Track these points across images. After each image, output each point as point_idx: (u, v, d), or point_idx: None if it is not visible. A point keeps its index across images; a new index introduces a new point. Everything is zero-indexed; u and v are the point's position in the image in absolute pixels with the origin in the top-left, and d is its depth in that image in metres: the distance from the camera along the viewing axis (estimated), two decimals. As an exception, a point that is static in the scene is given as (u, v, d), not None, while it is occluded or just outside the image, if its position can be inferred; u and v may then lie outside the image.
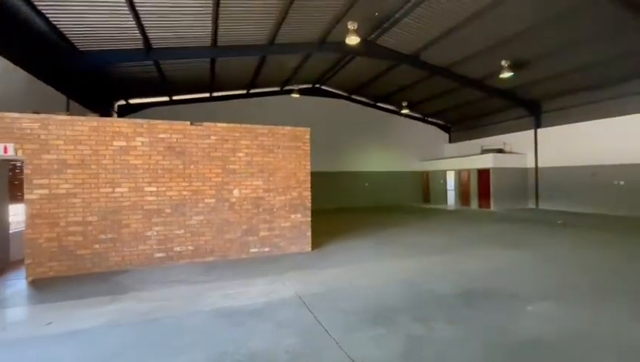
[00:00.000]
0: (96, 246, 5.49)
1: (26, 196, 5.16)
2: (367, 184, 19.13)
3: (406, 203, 19.85)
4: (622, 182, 12.50)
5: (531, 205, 16.02)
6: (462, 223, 11.20)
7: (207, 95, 15.83)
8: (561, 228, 9.66)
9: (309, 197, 6.99)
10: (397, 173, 20.16)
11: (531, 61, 12.19)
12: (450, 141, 21.57)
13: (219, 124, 6.30)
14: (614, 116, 12.75)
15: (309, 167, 7.00)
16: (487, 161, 15.68)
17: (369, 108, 19.56)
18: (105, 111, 13.40)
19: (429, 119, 21.06)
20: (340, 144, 18.73)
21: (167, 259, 5.89)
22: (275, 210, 6.66)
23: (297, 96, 14.46)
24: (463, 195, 17.21)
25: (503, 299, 4.15)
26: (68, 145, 5.35)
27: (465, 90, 15.70)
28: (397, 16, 10.42)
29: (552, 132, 15.10)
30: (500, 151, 17.12)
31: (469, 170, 16.81)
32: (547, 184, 15.32)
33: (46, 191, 5.23)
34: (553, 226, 10.07)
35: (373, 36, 11.94)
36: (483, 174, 15.95)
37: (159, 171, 5.87)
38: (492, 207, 15.32)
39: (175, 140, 5.97)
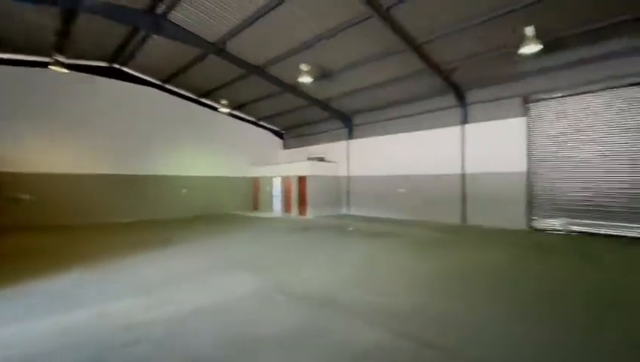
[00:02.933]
0: None
1: None
2: (184, 190, 16.50)
3: (234, 211, 18.26)
4: (403, 190, 14.42)
5: (345, 211, 17.07)
6: (255, 236, 10.16)
7: None
8: (345, 236, 9.79)
9: None
10: (226, 178, 18.36)
11: (336, 72, 12.60)
12: (285, 147, 21.45)
13: None
14: (402, 132, 14.69)
15: None
16: (304, 169, 15.75)
17: (192, 104, 17.07)
18: None
19: (262, 123, 20.30)
20: (150, 142, 15.51)
21: None
22: None
23: (61, 70, 10.63)
24: (286, 202, 16.90)
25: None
26: None
27: (287, 96, 15.39)
28: (179, -15, 8.60)
29: (360, 144, 16.49)
30: (321, 159, 17.72)
31: (291, 177, 16.61)
32: (356, 191, 16.59)
33: None
34: (341, 234, 10.18)
35: (162, 9, 9.75)
36: (302, 181, 15.96)
37: None
38: (308, 214, 15.40)
39: None
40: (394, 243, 8.50)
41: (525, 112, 11.00)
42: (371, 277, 5.48)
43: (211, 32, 10.84)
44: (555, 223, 10.28)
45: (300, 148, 19.93)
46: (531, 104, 10.87)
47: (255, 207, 19.29)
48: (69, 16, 9.67)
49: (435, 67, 11.12)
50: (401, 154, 14.60)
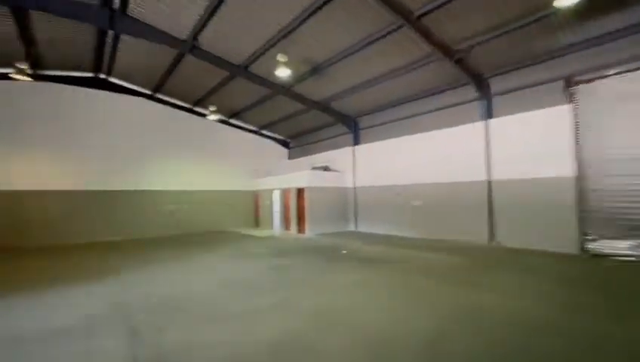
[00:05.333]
0: None
1: None
2: (173, 207, 15.25)
3: (233, 228, 16.74)
4: (418, 203, 11.99)
5: (352, 227, 14.85)
6: (212, 264, 8.38)
7: None
8: (331, 264, 7.70)
9: None
10: (225, 192, 16.99)
11: (326, 65, 10.75)
12: (290, 157, 19.79)
13: None
14: (413, 134, 12.39)
15: None
16: (302, 180, 13.87)
17: (186, 115, 16.03)
18: None
19: (265, 132, 18.86)
20: (141, 155, 14.53)
21: None
22: None
23: (24, 78, 9.83)
24: (286, 218, 15.05)
25: None
26: None
27: (280, 99, 13.80)
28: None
29: (367, 149, 14.35)
30: (326, 168, 15.80)
31: (290, 190, 14.80)
32: (365, 205, 14.36)
33: None
34: (327, 261, 8.09)
35: (116, 4, 8.62)
36: (300, 194, 14.08)
37: None
38: (307, 232, 13.40)
39: None
40: (387, 275, 6.28)
41: (569, 99, 8.36)
42: (309, 349, 3.41)
43: (178, 27, 9.52)
44: (622, 246, 7.41)
45: (305, 158, 18.15)
46: (578, 87, 8.22)
47: (256, 223, 17.66)
48: (21, 17, 8.79)
49: (443, 49, 8.91)
50: (413, 160, 12.26)
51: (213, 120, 15.54)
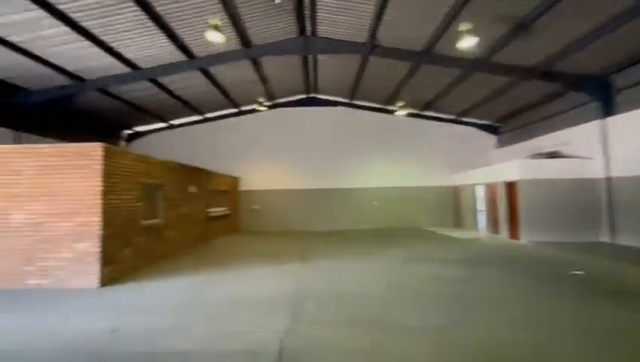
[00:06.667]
0: None
1: None
2: (375, 202, 16.08)
3: (430, 226, 15.70)
4: None
5: (604, 237, 10.16)
6: (378, 266, 7.87)
7: (200, 117, 16.39)
8: (548, 291, 5.54)
9: (99, 223, 5.93)
10: (422, 188, 16.28)
11: (537, 16, 7.85)
12: (500, 145, 16.23)
13: (-1, 146, 6.08)
14: None
15: (100, 188, 5.97)
16: (512, 172, 10.89)
17: (380, 114, 16.63)
18: (112, 141, 15.55)
19: (464, 119, 16.44)
20: (345, 157, 16.43)
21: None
22: (57, 237, 5.90)
23: (264, 109, 13.34)
24: (493, 219, 12.40)
25: None
26: None
27: (480, 77, 11.52)
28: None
29: (633, 120, 9.34)
30: (553, 155, 11.76)
31: (497, 185, 12.07)
32: (629, 204, 9.45)
33: None
34: (544, 282, 5.87)
35: (309, 29, 10.11)
36: (512, 190, 11.14)
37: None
38: (521, 238, 10.41)
39: None
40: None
41: None
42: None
43: (356, 32, 9.92)
44: None
45: (521, 144, 14.29)
46: None
47: (457, 223, 15.70)
48: (256, 64, 12.00)
49: None
50: None
51: (404, 115, 15.19)
